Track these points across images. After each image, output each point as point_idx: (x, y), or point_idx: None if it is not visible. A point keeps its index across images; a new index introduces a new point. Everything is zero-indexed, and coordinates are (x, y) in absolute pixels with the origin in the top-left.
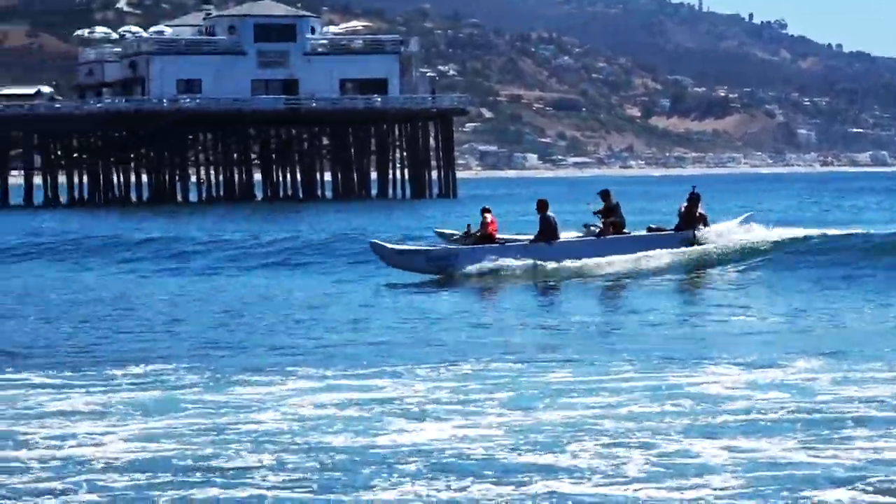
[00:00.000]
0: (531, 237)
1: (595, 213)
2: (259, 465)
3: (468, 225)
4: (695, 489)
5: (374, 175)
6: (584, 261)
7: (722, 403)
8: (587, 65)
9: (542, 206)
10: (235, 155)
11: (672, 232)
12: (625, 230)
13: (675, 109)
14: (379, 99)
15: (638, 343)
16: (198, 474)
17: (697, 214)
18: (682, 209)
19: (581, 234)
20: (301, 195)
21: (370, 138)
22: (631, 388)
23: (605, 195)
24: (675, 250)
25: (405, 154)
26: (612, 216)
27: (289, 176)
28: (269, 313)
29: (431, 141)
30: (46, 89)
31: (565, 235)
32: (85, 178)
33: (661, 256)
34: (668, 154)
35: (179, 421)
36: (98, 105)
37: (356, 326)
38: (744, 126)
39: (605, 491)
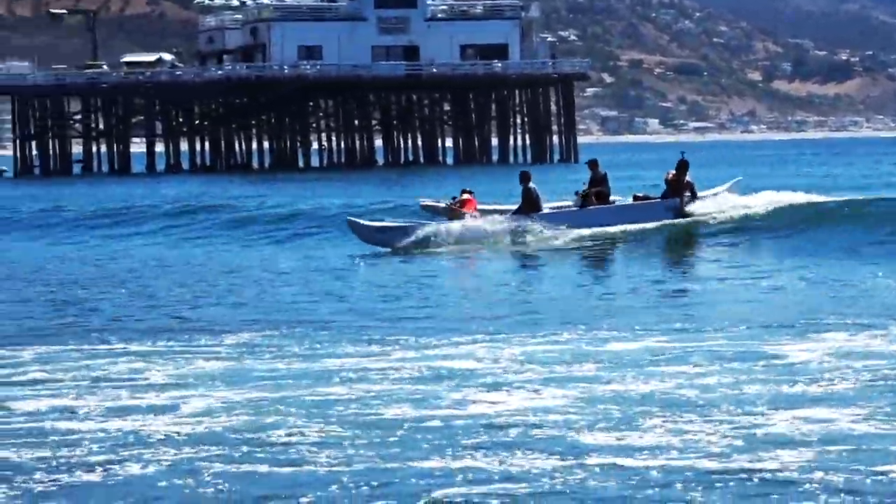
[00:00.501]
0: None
1: (584, 187)
2: (319, 438)
3: (453, 198)
4: (768, 461)
5: (494, 141)
6: (560, 231)
7: (802, 373)
8: (708, 29)
9: (525, 177)
10: (356, 121)
11: (658, 200)
12: (611, 200)
13: (796, 73)
14: (499, 64)
15: (704, 311)
16: (252, 449)
17: (685, 182)
18: (670, 176)
19: (572, 204)
20: (422, 160)
21: (490, 104)
22: (708, 356)
23: (592, 165)
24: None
25: (526, 119)
26: (599, 186)
27: (410, 142)
28: (372, 287)
29: (552, 106)
30: (168, 57)
31: (555, 205)
32: (206, 145)
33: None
34: (789, 118)
35: (258, 393)
36: (219, 72)
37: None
38: (866, 90)
39: (677, 464)
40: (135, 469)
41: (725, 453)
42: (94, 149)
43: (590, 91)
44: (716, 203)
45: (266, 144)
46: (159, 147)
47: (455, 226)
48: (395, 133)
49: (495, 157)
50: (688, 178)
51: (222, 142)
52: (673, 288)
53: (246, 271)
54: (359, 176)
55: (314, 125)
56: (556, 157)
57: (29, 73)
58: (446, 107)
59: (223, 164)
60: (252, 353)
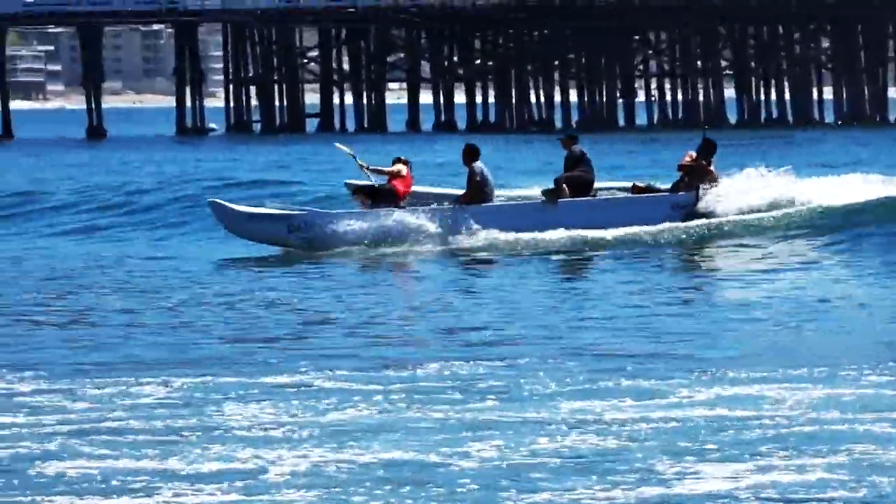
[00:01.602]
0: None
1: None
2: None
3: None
4: None
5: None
6: (508, 234)
7: None
8: None
9: (470, 154)
10: (699, 63)
11: (665, 193)
12: (592, 191)
13: None
14: None
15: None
16: None
17: (707, 171)
18: (688, 160)
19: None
20: (790, 119)
21: (887, 40)
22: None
23: (566, 141)
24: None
25: None
26: (574, 170)
27: (773, 92)
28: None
29: None
30: None
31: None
32: (490, 95)
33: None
34: None
35: None
36: None
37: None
38: None
39: None
40: None
41: None
42: (336, 99)
43: None
44: (745, 195)
45: (573, 94)
46: (425, 97)
47: (366, 220)
48: (752, 80)
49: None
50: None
51: (512, 90)
52: None
53: None
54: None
55: (640, 68)
56: None
57: None
58: (825, 43)
59: (512, 120)
60: None
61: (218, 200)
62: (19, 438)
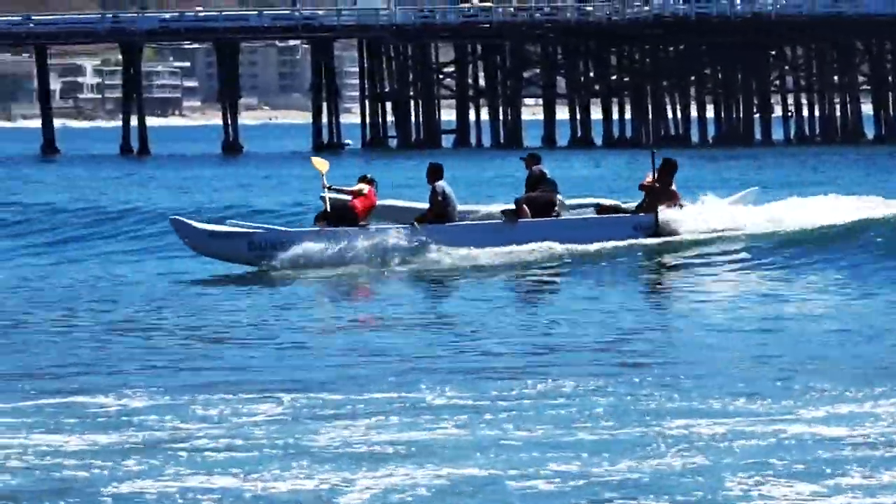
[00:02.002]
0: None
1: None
2: None
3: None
4: None
5: None
6: (464, 251)
7: None
8: None
9: (434, 173)
10: (836, 77)
11: (628, 214)
12: (554, 211)
13: None
14: None
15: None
16: None
17: (670, 191)
18: (648, 182)
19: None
20: None
21: None
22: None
23: (529, 160)
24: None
25: None
26: (535, 190)
27: None
28: None
29: None
30: None
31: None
32: (627, 110)
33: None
34: None
35: None
36: (644, 9)
37: None
38: None
39: None
40: None
41: None
42: (472, 114)
43: None
44: (712, 217)
45: (709, 110)
46: (561, 113)
47: (324, 239)
48: (890, 95)
49: None
50: (673, 186)
51: (648, 106)
52: None
53: None
54: (838, 155)
55: (776, 83)
56: None
57: (384, 9)
58: None
59: (648, 135)
60: None
61: (179, 217)
62: (118, 455)
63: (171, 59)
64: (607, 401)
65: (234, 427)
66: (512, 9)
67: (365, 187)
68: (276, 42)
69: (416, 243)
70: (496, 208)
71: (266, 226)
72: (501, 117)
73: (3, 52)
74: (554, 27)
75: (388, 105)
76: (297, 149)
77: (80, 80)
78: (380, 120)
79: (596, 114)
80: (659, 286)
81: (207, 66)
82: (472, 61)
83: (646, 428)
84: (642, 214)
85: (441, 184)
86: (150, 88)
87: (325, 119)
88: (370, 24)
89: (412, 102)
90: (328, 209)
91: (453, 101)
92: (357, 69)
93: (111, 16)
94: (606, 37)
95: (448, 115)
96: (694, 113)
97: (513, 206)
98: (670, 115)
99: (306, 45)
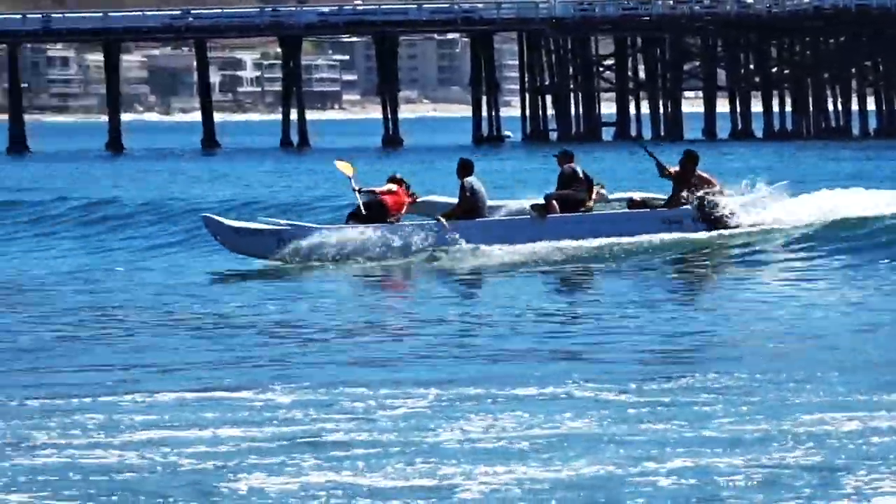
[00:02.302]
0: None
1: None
2: None
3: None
4: None
5: None
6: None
7: None
8: None
9: (463, 168)
10: None
11: (660, 208)
12: (584, 210)
13: None
14: None
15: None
16: None
17: (701, 179)
18: (671, 171)
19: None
20: None
21: None
22: None
23: (561, 158)
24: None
25: None
26: (568, 188)
27: None
28: None
29: None
30: None
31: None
32: (787, 103)
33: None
34: None
35: None
36: (804, 1)
37: None
38: None
39: None
40: None
41: None
42: (633, 107)
43: None
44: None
45: (870, 102)
46: (722, 105)
47: (352, 234)
48: None
49: None
50: (704, 174)
51: (809, 98)
52: None
53: None
54: None
55: None
56: None
57: (543, 3)
58: None
59: (809, 128)
60: None
61: (210, 215)
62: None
63: (331, 52)
64: (754, 398)
65: (377, 420)
66: (671, 1)
67: (394, 187)
68: (436, 35)
69: (445, 239)
70: (526, 203)
71: (294, 222)
72: (661, 110)
73: (163, 47)
74: (714, 20)
75: (549, 98)
76: (457, 142)
77: (239, 73)
78: (540, 113)
79: (756, 106)
80: (763, 281)
81: (367, 59)
82: (632, 54)
83: (771, 424)
84: (676, 209)
85: (470, 179)
86: (309, 82)
87: (484, 112)
88: (530, 18)
89: (572, 95)
90: (361, 206)
91: (613, 94)
92: (516, 62)
93: (270, 10)
94: (766, 29)
95: (608, 107)
96: (855, 105)
97: (542, 201)
98: (831, 107)
99: (466, 39)
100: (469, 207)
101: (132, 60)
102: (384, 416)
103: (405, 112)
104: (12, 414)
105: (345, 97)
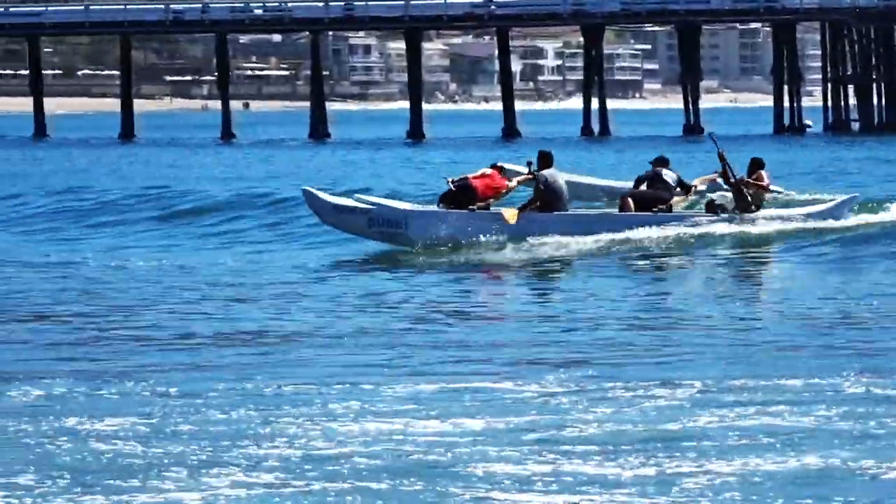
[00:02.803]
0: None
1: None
2: None
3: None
4: None
5: None
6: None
7: None
8: None
9: (542, 160)
10: None
11: (726, 214)
12: (660, 205)
13: None
14: None
15: None
16: None
17: (751, 182)
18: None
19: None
20: None
21: None
22: None
23: (657, 162)
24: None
25: None
26: (652, 187)
27: None
28: None
29: None
30: None
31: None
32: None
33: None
34: None
35: None
36: None
37: None
38: None
39: None
40: None
41: None
42: None
43: None
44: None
45: None
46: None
47: (437, 220)
48: None
49: None
50: (765, 176)
51: None
52: None
53: None
54: None
55: None
56: None
57: None
58: None
59: None
60: None
61: (309, 189)
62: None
63: (632, 41)
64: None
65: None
66: None
67: (487, 170)
68: (738, 25)
69: (520, 230)
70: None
71: (385, 202)
72: None
73: (465, 35)
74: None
75: (851, 88)
76: (759, 132)
77: (540, 62)
78: (842, 103)
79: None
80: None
81: (668, 48)
82: None
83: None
84: (740, 215)
85: (545, 172)
86: (610, 71)
87: (786, 102)
88: (833, 7)
89: (874, 86)
90: (453, 189)
91: None
92: (818, 52)
93: None
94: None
95: None
96: None
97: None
98: None
99: (768, 28)
100: (543, 200)
101: (433, 48)
102: (638, 411)
103: (706, 101)
104: (266, 401)
105: (646, 86)
